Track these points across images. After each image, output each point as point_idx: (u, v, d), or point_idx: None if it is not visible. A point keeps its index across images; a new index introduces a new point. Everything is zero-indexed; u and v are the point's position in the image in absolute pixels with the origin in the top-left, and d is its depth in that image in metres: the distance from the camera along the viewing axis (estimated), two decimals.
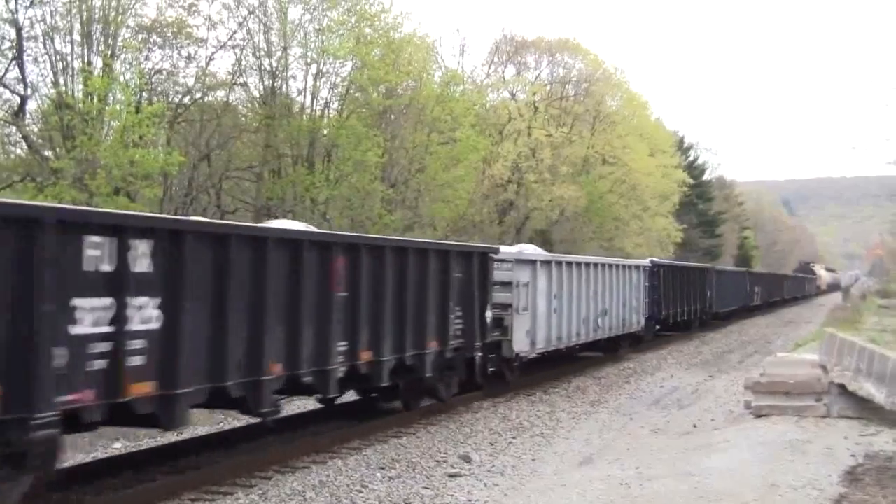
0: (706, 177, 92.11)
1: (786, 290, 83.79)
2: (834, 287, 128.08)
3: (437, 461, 14.09)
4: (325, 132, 36.39)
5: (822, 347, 18.78)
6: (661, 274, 36.45)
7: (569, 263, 25.09)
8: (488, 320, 18.94)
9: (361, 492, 12.09)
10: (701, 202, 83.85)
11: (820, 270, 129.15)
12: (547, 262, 23.38)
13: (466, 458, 14.29)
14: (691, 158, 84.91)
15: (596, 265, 27.32)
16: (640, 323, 31.98)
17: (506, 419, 18.20)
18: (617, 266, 29.40)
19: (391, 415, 17.38)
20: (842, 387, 16.11)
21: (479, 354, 18.82)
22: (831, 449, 13.70)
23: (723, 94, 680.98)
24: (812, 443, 14.21)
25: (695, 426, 17.34)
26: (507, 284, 20.76)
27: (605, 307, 27.48)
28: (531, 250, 25.60)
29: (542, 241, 49.02)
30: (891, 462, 12.76)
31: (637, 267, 32.20)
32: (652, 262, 36.34)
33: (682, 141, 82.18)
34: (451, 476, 13.10)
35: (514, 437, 16.29)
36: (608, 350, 29.84)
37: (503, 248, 22.58)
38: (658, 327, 37.45)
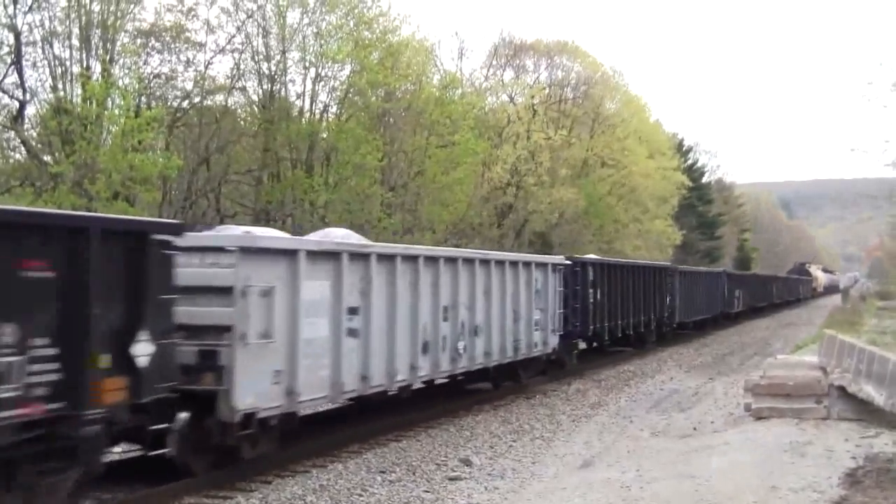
0: (705, 179, 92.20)
1: (775, 294, 74.34)
2: (832, 289, 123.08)
3: (437, 465, 14.10)
4: (324, 136, 36.42)
5: (821, 349, 18.79)
6: (590, 276, 27.70)
7: (387, 257, 15.58)
8: (142, 360, 10.10)
9: (362, 496, 12.09)
10: (700, 204, 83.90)
11: (816, 271, 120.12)
12: (329, 255, 13.97)
13: (467, 462, 14.29)
14: (690, 161, 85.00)
15: (451, 260, 17.93)
16: (551, 343, 23.42)
17: (506, 422, 18.19)
18: (500, 264, 20.35)
19: (391, 418, 17.36)
20: (842, 389, 16.12)
21: (113, 425, 10.03)
22: (831, 451, 13.71)
23: (722, 96, 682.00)
24: (812, 445, 14.22)
25: (695, 429, 17.34)
26: (221, 292, 11.98)
27: (474, 324, 18.70)
28: (340, 235, 17.02)
29: (541, 243, 49.13)
30: (891, 464, 12.76)
31: (543, 265, 23.11)
32: (572, 259, 27.01)
33: (681, 143, 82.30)
34: (452, 479, 13.11)
35: (514, 441, 16.29)
36: (506, 380, 22.10)
37: (204, 232, 13.46)
38: (584, 346, 29.98)
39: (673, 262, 54.29)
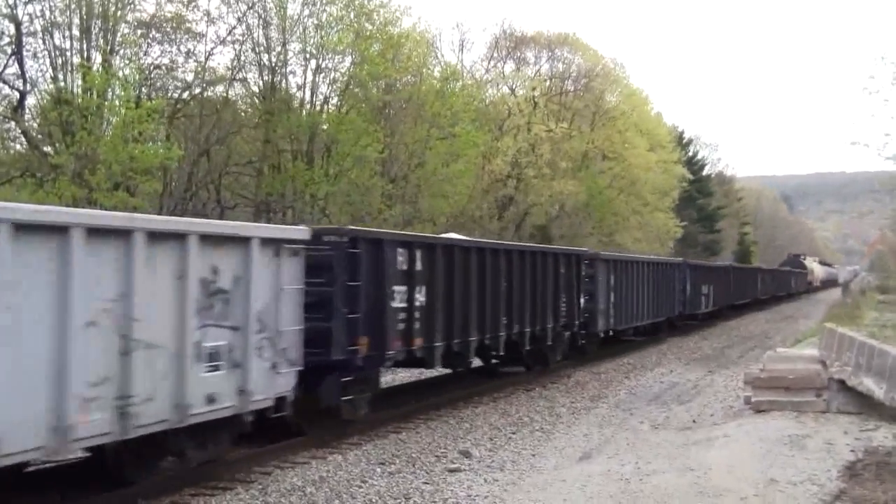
0: (706, 172, 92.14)
1: (761, 289, 63.92)
2: (829, 282, 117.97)
3: (436, 456, 14.11)
4: (325, 127, 36.38)
5: (821, 343, 18.79)
6: (398, 265, 16.36)
7: None
8: None
9: (361, 487, 12.10)
10: (700, 197, 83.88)
11: (812, 264, 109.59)
12: None
13: (466, 454, 14.30)
14: (691, 154, 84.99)
15: None
16: (269, 388, 12.60)
17: (505, 414, 18.21)
18: (47, 232, 9.39)
19: (390, 410, 17.36)
20: (841, 382, 16.12)
21: None
22: (831, 444, 13.72)
23: (723, 89, 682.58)
24: (811, 438, 14.23)
25: (694, 421, 17.36)
26: None
27: None
28: None
29: (542, 236, 49.16)
30: (890, 457, 12.78)
31: (238, 242, 12.21)
32: (341, 233, 15.64)
33: (681, 136, 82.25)
34: (451, 471, 13.12)
35: (513, 433, 16.30)
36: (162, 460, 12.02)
37: None
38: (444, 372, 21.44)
39: (672, 255, 54.13)
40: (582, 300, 26.36)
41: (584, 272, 26.69)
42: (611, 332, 30.44)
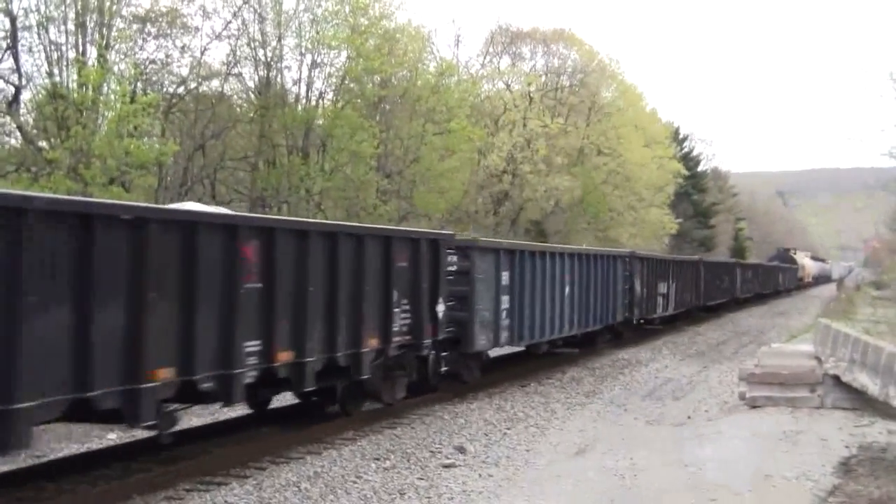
0: (701, 168, 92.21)
1: (741, 286, 55.33)
2: (822, 279, 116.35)
3: (431, 452, 14.10)
4: (320, 123, 36.39)
5: (816, 338, 18.83)
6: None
7: None
8: None
9: (356, 482, 12.09)
10: (695, 193, 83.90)
11: (803, 259, 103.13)
12: None
13: (461, 449, 14.30)
14: (686, 149, 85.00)
15: None
16: None
17: (500, 410, 18.20)
18: None
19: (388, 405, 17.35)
20: (836, 378, 16.16)
21: None
22: (825, 440, 13.76)
23: (718, 84, 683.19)
24: (806, 434, 14.26)
25: (689, 417, 17.37)
26: None
27: None
28: None
29: (536, 231, 49.18)
30: (884, 453, 12.82)
31: None
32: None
33: (677, 132, 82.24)
34: (446, 467, 13.11)
35: (508, 428, 16.29)
36: None
37: None
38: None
39: (668, 251, 54.03)
40: (441, 307, 17.39)
41: (449, 266, 18.12)
42: (524, 346, 23.49)
